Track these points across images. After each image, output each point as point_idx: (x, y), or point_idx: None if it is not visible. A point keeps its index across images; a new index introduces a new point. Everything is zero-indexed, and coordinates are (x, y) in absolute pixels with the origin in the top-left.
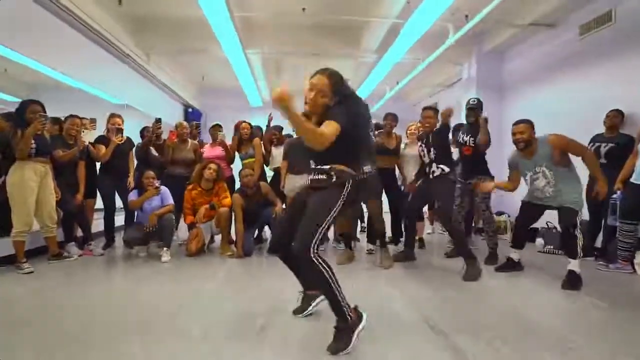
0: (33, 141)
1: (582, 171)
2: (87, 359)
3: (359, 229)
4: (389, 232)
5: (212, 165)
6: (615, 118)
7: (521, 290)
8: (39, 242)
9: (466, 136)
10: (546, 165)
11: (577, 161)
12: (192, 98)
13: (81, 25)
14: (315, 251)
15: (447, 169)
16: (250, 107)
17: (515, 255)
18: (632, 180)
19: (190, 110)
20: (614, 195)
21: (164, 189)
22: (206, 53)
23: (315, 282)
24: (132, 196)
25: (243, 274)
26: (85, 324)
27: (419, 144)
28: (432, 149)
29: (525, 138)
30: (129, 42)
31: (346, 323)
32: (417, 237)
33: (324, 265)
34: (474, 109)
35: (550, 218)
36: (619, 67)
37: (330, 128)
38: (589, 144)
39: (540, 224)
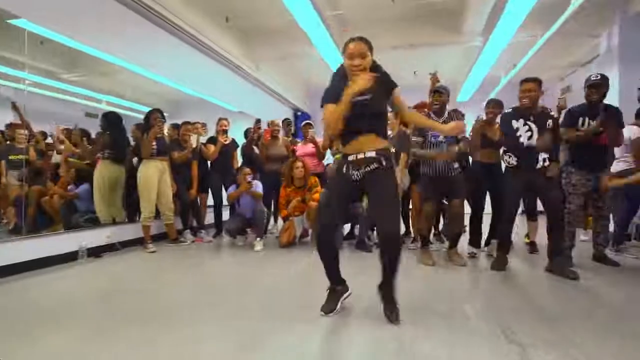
0: (154, 143)
1: None
2: (163, 326)
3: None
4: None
5: (298, 163)
6: None
7: None
8: (163, 229)
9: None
10: None
11: None
12: (300, 102)
13: (202, 47)
14: None
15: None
16: None
17: None
18: None
19: (299, 113)
20: None
21: (256, 182)
22: (307, 56)
23: (396, 261)
24: (231, 190)
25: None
26: (172, 298)
27: (520, 121)
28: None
29: None
30: (239, 55)
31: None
32: (529, 240)
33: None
34: (598, 86)
35: None
36: None
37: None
38: None
39: None
